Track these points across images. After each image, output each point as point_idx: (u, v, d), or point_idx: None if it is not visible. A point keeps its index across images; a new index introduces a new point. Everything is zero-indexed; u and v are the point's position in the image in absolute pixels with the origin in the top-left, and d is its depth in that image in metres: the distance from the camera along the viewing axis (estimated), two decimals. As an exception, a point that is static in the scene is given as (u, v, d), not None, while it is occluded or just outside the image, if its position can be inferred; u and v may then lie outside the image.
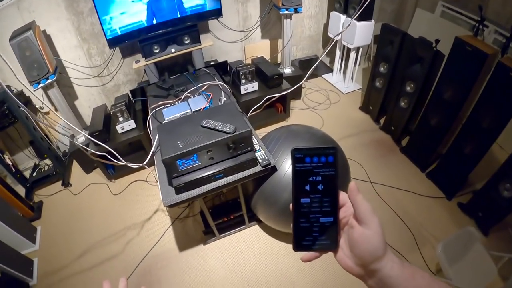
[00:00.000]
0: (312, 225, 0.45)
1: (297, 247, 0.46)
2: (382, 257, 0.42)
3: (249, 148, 1.58)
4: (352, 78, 3.41)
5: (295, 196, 0.45)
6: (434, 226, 2.07)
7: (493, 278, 1.56)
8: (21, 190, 2.63)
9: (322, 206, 0.45)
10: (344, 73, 3.47)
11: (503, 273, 1.68)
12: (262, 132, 2.81)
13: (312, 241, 0.45)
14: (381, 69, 2.68)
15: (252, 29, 3.24)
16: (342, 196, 0.46)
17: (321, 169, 0.45)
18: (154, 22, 2.45)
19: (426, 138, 2.36)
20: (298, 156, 0.45)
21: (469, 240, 1.69)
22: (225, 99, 2.16)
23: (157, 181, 1.74)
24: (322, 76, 3.66)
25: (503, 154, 2.41)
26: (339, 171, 0.45)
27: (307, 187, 0.45)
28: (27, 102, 2.68)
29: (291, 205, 0.46)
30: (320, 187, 0.45)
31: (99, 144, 1.71)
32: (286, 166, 1.69)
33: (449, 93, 2.09)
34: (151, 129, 2.01)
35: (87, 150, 1.65)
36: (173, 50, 2.55)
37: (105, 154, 1.65)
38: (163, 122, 1.93)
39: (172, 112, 2.02)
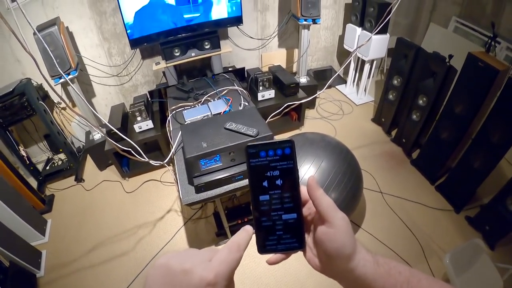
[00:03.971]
0: (274, 223, 0.42)
1: (262, 249, 0.43)
2: (352, 256, 0.39)
3: (269, 152, 1.62)
4: (365, 90, 3.46)
5: (253, 194, 0.42)
6: (442, 238, 2.09)
7: (499, 289, 1.58)
8: (33, 183, 2.66)
9: (283, 202, 0.42)
10: (358, 84, 3.53)
11: (509, 285, 1.69)
12: (276, 139, 2.85)
13: (276, 240, 0.42)
14: (395, 82, 2.73)
15: (270, 38, 3.31)
16: (304, 191, 0.43)
17: (278, 162, 0.42)
18: (176, 26, 2.51)
19: (437, 152, 2.39)
20: (252, 152, 0.42)
21: (476, 251, 1.71)
22: (245, 103, 2.21)
23: (176, 181, 1.77)
24: (336, 87, 3.72)
25: (511, 170, 2.45)
26: (297, 164, 0.42)
27: (265, 183, 0.42)
28: (46, 96, 2.73)
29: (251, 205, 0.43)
30: (279, 182, 0.42)
31: (122, 140, 1.74)
32: (302, 172, 1.73)
33: (460, 107, 2.13)
34: (171, 129, 2.05)
35: (114, 144, 1.69)
36: (193, 54, 2.61)
37: (129, 149, 1.68)
38: (185, 123, 1.98)
39: (193, 114, 2.06)
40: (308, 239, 0.44)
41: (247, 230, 0.41)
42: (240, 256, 0.38)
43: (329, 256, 0.39)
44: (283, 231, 0.42)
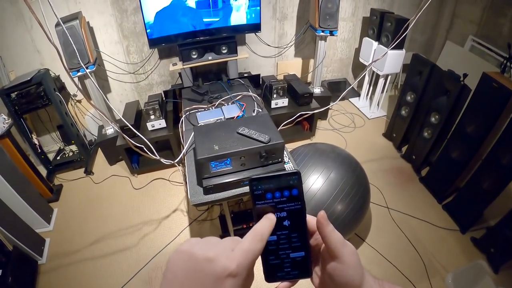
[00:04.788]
0: (282, 261, 0.42)
1: (269, 279, 0.42)
2: (360, 287, 0.40)
3: (280, 159, 1.63)
4: (378, 104, 3.46)
5: None
6: (446, 258, 2.07)
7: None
8: (43, 171, 2.71)
9: (291, 242, 0.41)
10: (371, 98, 3.53)
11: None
12: (287, 147, 2.87)
13: (284, 273, 0.42)
14: (408, 98, 2.73)
15: (287, 47, 3.34)
16: (312, 221, 0.43)
17: (285, 204, 0.41)
18: (195, 29, 2.55)
19: (446, 170, 2.37)
20: (257, 194, 0.41)
21: (479, 273, 1.69)
22: (259, 110, 2.23)
23: (184, 181, 1.79)
24: (350, 99, 3.72)
25: (520, 193, 2.43)
26: (305, 203, 0.41)
27: None
28: (62, 87, 2.79)
29: None
30: (286, 223, 0.41)
31: (134, 136, 1.77)
32: (310, 182, 1.73)
33: (472, 127, 2.12)
34: (184, 130, 2.07)
35: (127, 139, 1.72)
36: (210, 57, 2.65)
37: (142, 146, 1.71)
38: (198, 125, 2.00)
39: (206, 116, 2.08)
40: (316, 267, 0.44)
41: (270, 219, 0.40)
42: (262, 246, 0.38)
43: (338, 287, 0.40)
44: (291, 267, 0.42)
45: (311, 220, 0.43)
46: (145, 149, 1.72)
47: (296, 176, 0.41)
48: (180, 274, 0.34)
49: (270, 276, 0.42)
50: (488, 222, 2.25)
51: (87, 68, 2.36)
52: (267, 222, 0.40)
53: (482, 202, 2.08)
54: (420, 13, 1.76)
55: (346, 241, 0.40)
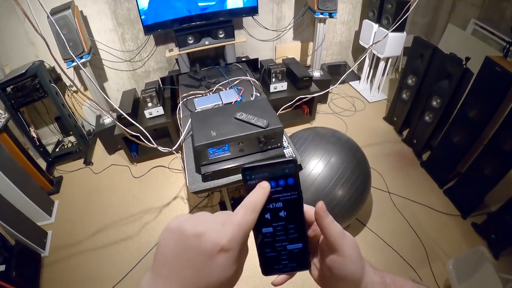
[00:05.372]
0: (279, 253, 0.40)
1: (266, 272, 0.41)
2: (360, 280, 0.39)
3: (279, 144, 1.61)
4: (378, 88, 3.42)
5: (255, 226, 0.38)
6: (447, 243, 2.07)
7: (500, 299, 1.56)
8: (42, 164, 2.70)
9: (287, 233, 0.40)
10: (371, 82, 3.49)
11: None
12: (286, 131, 2.84)
13: (282, 265, 0.41)
14: (409, 81, 2.69)
15: (285, 30, 3.27)
16: (310, 212, 0.41)
17: (281, 194, 0.39)
18: (191, 13, 2.50)
19: (447, 155, 2.35)
20: (251, 183, 0.38)
21: (480, 259, 1.69)
22: (257, 94, 2.19)
23: (183, 168, 1.78)
24: (350, 83, 3.68)
25: (521, 179, 2.41)
26: (302, 192, 0.39)
27: (268, 216, 0.39)
28: (58, 79, 2.75)
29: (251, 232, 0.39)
30: (282, 214, 0.39)
31: (132, 125, 1.75)
32: (311, 167, 1.71)
33: (474, 111, 2.09)
34: (181, 116, 2.05)
35: (123, 129, 1.69)
36: (207, 42, 2.60)
37: (138, 134, 1.69)
38: (196, 111, 1.97)
39: (204, 102, 2.06)
40: (314, 259, 0.43)
41: (264, 188, 0.38)
42: (255, 217, 0.36)
43: (338, 280, 0.39)
44: (288, 260, 0.41)
45: (308, 210, 0.41)
46: (141, 137, 1.69)
47: (292, 164, 0.38)
48: (171, 254, 0.33)
49: (267, 269, 0.41)
50: (489, 207, 2.24)
51: (81, 58, 2.32)
52: (261, 191, 0.38)
53: (484, 188, 2.06)
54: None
55: (345, 233, 0.39)
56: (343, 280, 0.38)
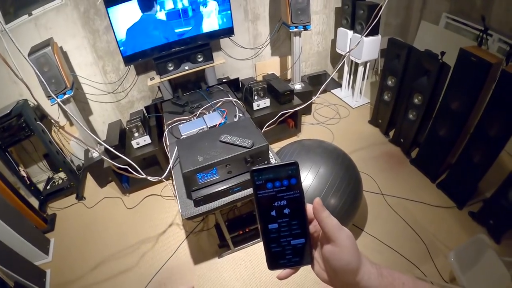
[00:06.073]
0: (284, 248, 0.44)
1: (272, 266, 0.45)
2: (357, 270, 0.41)
3: (266, 162, 1.62)
4: (360, 93, 3.46)
5: (262, 223, 0.44)
6: (446, 236, 2.08)
7: (506, 284, 1.56)
8: (35, 203, 2.67)
9: (291, 229, 0.44)
10: (353, 87, 3.53)
11: (517, 278, 1.68)
12: (274, 147, 2.86)
13: (286, 260, 0.44)
14: (389, 82, 2.74)
15: (262, 47, 3.33)
16: (310, 209, 0.44)
17: (285, 193, 0.43)
18: (169, 40, 2.53)
19: (435, 149, 2.39)
20: (259, 183, 0.43)
21: (481, 247, 1.69)
22: (240, 115, 2.22)
23: (174, 195, 1.78)
24: (331, 91, 3.72)
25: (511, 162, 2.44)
26: (303, 191, 0.44)
27: (273, 213, 0.44)
28: (43, 116, 2.75)
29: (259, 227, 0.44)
30: (286, 211, 0.44)
31: (119, 157, 1.75)
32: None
33: (456, 103, 2.13)
34: (168, 144, 2.06)
35: (110, 162, 1.69)
36: (186, 67, 2.63)
37: (126, 167, 1.69)
38: (181, 137, 1.99)
39: (189, 128, 2.07)
40: (316, 253, 0.46)
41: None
42: None
43: (336, 271, 0.42)
44: (292, 254, 0.44)
45: (309, 208, 0.45)
46: (129, 169, 1.70)
47: (294, 166, 0.43)
48: None
49: (272, 264, 0.45)
50: (484, 194, 2.27)
51: (64, 94, 2.33)
52: None
53: (476, 176, 2.09)
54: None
55: (342, 226, 0.42)
56: (341, 269, 0.41)
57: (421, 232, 2.12)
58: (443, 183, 2.40)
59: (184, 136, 2.00)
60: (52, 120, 2.82)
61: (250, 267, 2.06)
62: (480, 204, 2.15)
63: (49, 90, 1.77)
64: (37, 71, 1.64)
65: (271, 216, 0.44)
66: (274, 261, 0.45)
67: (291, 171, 0.43)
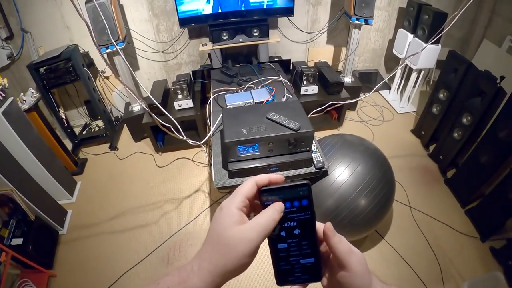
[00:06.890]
0: (293, 267, 0.43)
1: (281, 283, 0.44)
2: None
3: (308, 148, 1.61)
4: (408, 99, 3.35)
5: (271, 242, 0.43)
6: (463, 264, 2.02)
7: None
8: (68, 145, 2.78)
9: (301, 249, 0.43)
10: (402, 92, 3.43)
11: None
12: (315, 136, 2.85)
13: (295, 277, 0.44)
14: (441, 95, 2.63)
15: (319, 33, 3.26)
16: (321, 229, 0.44)
17: (296, 214, 0.42)
18: (223, 10, 2.52)
19: (473, 175, 2.29)
20: (268, 204, 0.41)
21: (495, 285, 1.64)
22: (290, 96, 2.19)
23: (209, 163, 1.80)
24: (380, 91, 3.62)
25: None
26: (315, 212, 0.42)
27: (283, 233, 0.42)
28: (91, 64, 2.82)
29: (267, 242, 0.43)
30: (296, 231, 0.42)
31: (162, 115, 1.77)
32: (336, 174, 1.70)
33: (504, 132, 2.02)
34: (211, 111, 2.07)
35: (155, 118, 1.72)
36: (241, 39, 2.62)
37: (169, 125, 1.72)
38: (227, 107, 1.99)
39: (235, 99, 2.07)
40: (326, 271, 0.46)
41: (276, 209, 0.41)
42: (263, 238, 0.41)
43: None
44: (301, 272, 0.44)
45: (320, 227, 0.44)
46: (172, 128, 1.72)
47: (306, 188, 0.41)
48: None
49: (281, 280, 0.44)
50: (509, 233, 2.17)
51: (116, 44, 2.37)
52: (272, 212, 0.41)
53: (506, 213, 2.00)
54: (464, 8, 1.68)
55: (352, 249, 0.42)
56: None
57: (439, 254, 2.07)
58: (472, 210, 2.31)
59: (230, 106, 2.00)
60: (101, 68, 2.89)
61: (263, 246, 2.07)
62: (504, 242, 2.06)
63: (110, 37, 1.80)
64: (102, 16, 1.66)
65: (280, 236, 0.43)
66: (282, 278, 0.44)
67: (303, 192, 0.41)
